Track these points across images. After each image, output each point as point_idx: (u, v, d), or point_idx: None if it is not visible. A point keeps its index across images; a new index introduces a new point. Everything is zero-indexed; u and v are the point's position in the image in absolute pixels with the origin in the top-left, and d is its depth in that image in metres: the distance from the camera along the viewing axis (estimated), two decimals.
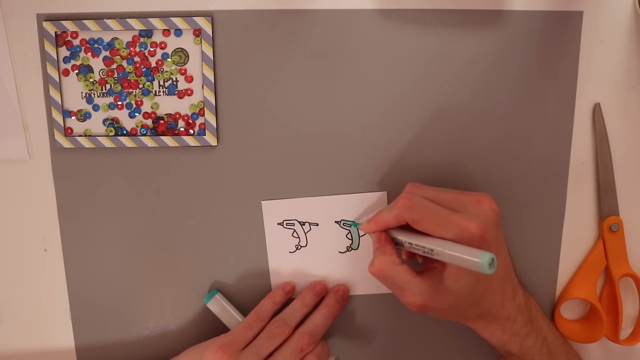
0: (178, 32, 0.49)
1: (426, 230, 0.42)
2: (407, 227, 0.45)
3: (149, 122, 0.51)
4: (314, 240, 0.52)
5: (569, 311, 0.54)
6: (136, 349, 0.54)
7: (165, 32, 0.49)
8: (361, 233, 0.51)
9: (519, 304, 0.46)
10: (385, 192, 0.51)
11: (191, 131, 0.51)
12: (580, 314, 0.54)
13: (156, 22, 0.49)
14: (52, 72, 0.50)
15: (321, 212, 0.51)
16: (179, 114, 0.50)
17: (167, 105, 0.50)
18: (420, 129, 0.50)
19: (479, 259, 0.37)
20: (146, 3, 0.49)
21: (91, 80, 0.50)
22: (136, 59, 0.50)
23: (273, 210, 0.51)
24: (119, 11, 0.49)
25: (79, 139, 0.50)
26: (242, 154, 0.51)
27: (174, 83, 0.50)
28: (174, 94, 0.50)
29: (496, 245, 0.43)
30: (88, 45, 0.50)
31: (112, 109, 0.50)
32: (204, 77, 0.49)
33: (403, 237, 0.44)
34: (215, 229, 0.52)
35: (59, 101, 0.50)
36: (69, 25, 0.49)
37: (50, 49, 0.49)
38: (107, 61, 0.50)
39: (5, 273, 0.53)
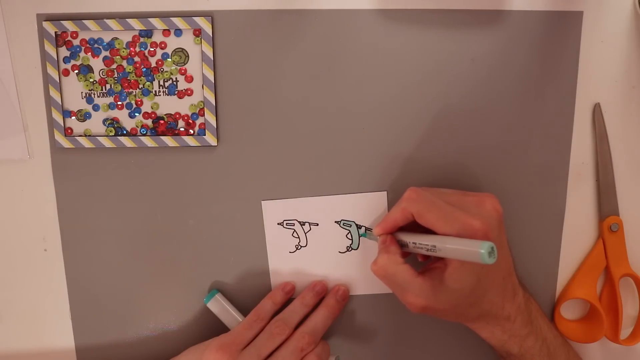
0: (178, 32, 0.49)
1: (430, 224, 0.42)
2: (412, 230, 0.45)
3: (149, 122, 0.51)
4: (314, 240, 0.52)
5: (569, 311, 0.54)
6: (136, 349, 0.54)
7: (165, 32, 0.49)
8: (360, 233, 0.51)
9: (519, 305, 0.46)
10: (385, 192, 0.51)
11: (191, 131, 0.51)
12: (580, 314, 0.54)
13: (156, 22, 0.49)
14: (52, 72, 0.50)
15: (321, 212, 0.51)
16: (179, 114, 0.50)
17: (167, 105, 0.50)
18: (420, 129, 0.50)
19: (478, 249, 0.37)
20: (146, 3, 0.49)
21: (91, 80, 0.50)
22: (136, 59, 0.50)
23: (273, 210, 0.51)
24: (119, 11, 0.49)
25: (79, 139, 0.50)
26: (242, 154, 0.51)
27: (174, 83, 0.50)
28: (174, 94, 0.50)
29: (499, 244, 0.43)
30: (88, 45, 0.50)
31: (112, 109, 0.51)
32: (204, 77, 0.49)
33: (407, 238, 0.44)
34: (215, 229, 0.52)
35: (59, 101, 0.50)
36: (69, 25, 0.49)
37: (50, 49, 0.49)
38: (107, 61, 0.50)
39: (5, 273, 0.53)
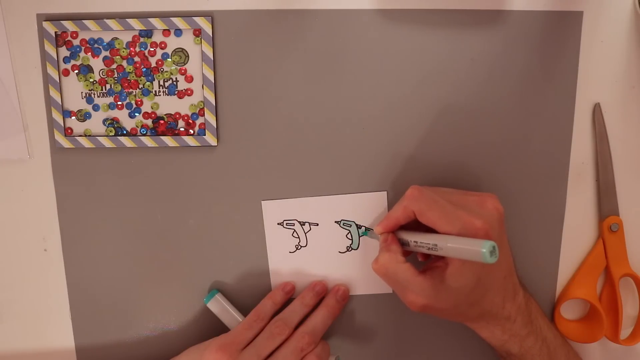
0: (178, 32, 0.49)
1: (431, 222, 0.42)
2: (413, 229, 0.45)
3: (149, 122, 0.51)
4: (314, 240, 0.52)
5: (569, 311, 0.54)
6: (136, 349, 0.54)
7: (165, 32, 0.49)
8: (361, 232, 0.51)
9: (519, 305, 0.46)
10: (385, 192, 0.51)
11: (191, 131, 0.51)
12: (580, 314, 0.54)
13: (156, 22, 0.49)
14: (52, 72, 0.50)
15: (321, 212, 0.51)
16: (179, 114, 0.50)
17: (167, 105, 0.50)
18: (420, 129, 0.50)
19: (480, 248, 0.37)
20: (146, 3, 0.49)
21: (91, 80, 0.50)
22: (136, 59, 0.50)
23: (273, 210, 0.51)
24: (119, 11, 0.49)
25: (79, 139, 0.50)
26: (242, 154, 0.51)
27: (174, 83, 0.50)
28: (174, 94, 0.50)
29: (500, 244, 0.43)
30: (88, 45, 0.50)
31: (112, 109, 0.51)
32: (204, 77, 0.49)
33: (409, 237, 0.45)
34: (215, 229, 0.52)
35: (59, 101, 0.50)
36: (69, 25, 0.49)
37: (50, 49, 0.49)
38: (107, 61, 0.50)
39: (5, 273, 0.53)
